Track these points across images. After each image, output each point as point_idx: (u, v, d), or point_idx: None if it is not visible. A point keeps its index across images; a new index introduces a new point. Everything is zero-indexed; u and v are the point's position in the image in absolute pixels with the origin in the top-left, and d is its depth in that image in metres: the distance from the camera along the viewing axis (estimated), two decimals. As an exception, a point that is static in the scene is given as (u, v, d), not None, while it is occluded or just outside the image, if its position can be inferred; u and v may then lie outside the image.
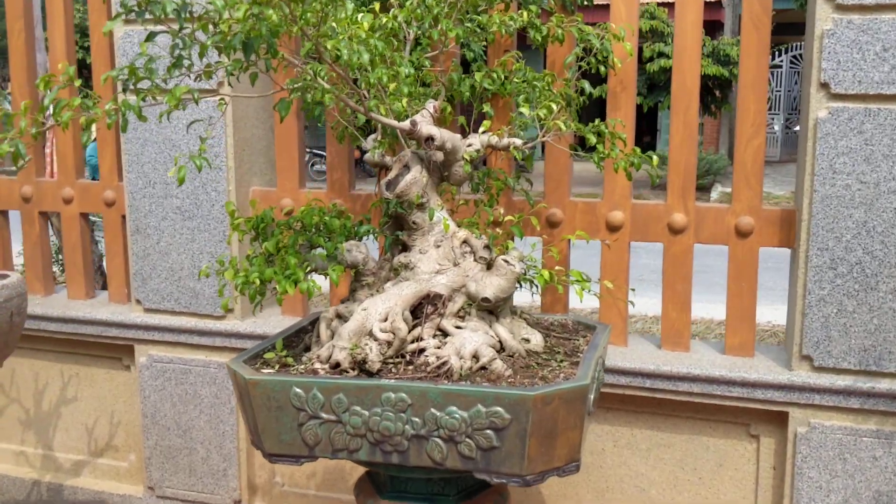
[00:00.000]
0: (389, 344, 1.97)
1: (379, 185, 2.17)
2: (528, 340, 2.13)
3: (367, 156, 2.27)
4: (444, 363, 1.93)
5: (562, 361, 2.05)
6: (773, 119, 21.63)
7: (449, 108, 2.39)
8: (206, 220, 3.12)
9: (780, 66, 21.21)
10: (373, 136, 2.34)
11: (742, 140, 2.69)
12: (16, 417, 3.70)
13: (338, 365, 1.98)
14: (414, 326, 2.07)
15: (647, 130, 21.48)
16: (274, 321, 3.19)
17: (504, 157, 2.71)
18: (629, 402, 2.83)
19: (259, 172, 3.25)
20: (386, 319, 2.00)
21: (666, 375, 2.71)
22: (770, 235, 2.70)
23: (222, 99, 1.74)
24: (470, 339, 1.99)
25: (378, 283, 2.19)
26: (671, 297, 2.80)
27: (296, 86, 1.81)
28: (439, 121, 2.43)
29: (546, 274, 2.07)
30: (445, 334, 2.06)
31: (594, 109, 2.64)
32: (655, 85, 16.52)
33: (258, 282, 1.95)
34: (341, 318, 2.12)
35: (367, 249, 2.16)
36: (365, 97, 1.88)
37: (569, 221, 2.85)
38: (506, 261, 2.04)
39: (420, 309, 2.09)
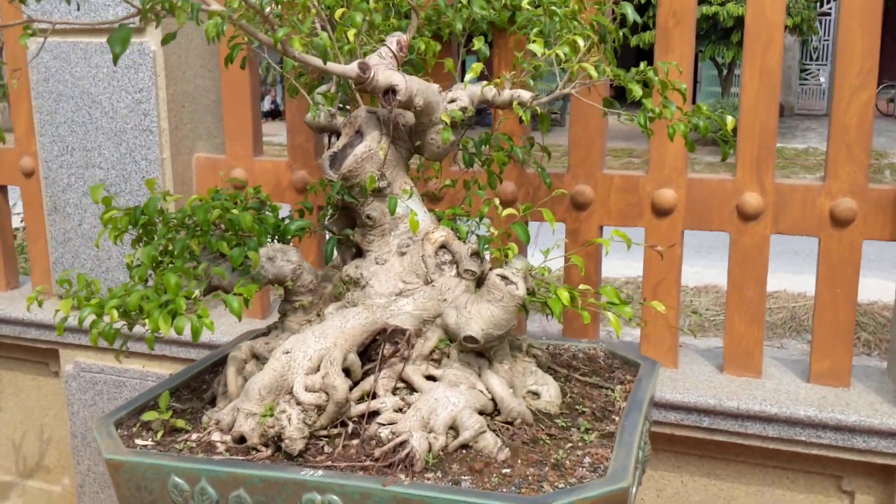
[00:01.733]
0: (320, 409, 1.29)
1: (322, 160, 1.47)
2: (537, 395, 1.43)
3: (308, 116, 1.56)
4: (402, 443, 1.24)
5: (587, 431, 1.35)
6: (819, 69, 20.54)
7: (431, 48, 1.66)
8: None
9: (829, 14, 19.96)
10: (323, 87, 1.63)
11: (843, 93, 1.93)
12: (-65, 427, 3.09)
13: (243, 439, 1.30)
14: (365, 374, 1.39)
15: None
16: (231, 322, 2.52)
17: (511, 116, 1.98)
18: (679, 442, 2.14)
19: (206, 135, 2.55)
20: (318, 370, 1.31)
21: (731, 413, 2.00)
22: (878, 224, 1.96)
23: (28, 29, 1.05)
24: (445, 401, 1.30)
25: (319, 305, 1.50)
26: (739, 305, 2.08)
27: (149, 3, 1.10)
28: (416, 66, 1.71)
29: (564, 295, 1.36)
30: (412, 388, 1.37)
31: (631, 60, 1.89)
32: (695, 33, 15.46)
33: (115, 314, 1.26)
34: (259, 359, 1.44)
35: (298, 257, 1.46)
36: (272, 23, 1.17)
37: (601, 202, 2.13)
38: (503, 277, 1.34)
39: (375, 347, 1.40)
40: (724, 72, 16.49)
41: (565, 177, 2.14)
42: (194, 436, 1.36)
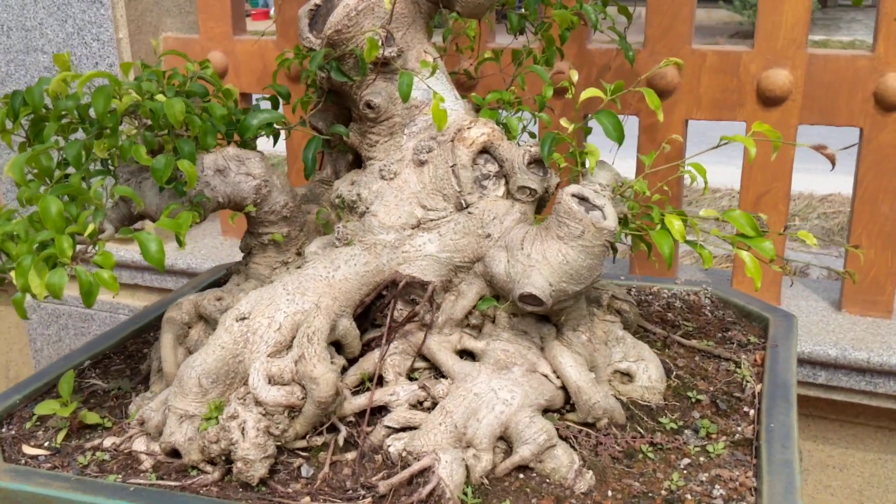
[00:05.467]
0: (293, 410, 0.81)
1: (299, 17, 0.96)
2: (629, 376, 0.94)
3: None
4: (423, 471, 0.77)
5: (711, 437, 0.87)
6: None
7: None
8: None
9: None
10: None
11: None
12: None
13: (177, 453, 0.84)
14: (367, 346, 0.91)
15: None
16: (213, 245, 2.06)
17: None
18: (780, 399, 1.66)
19: (176, 10, 2.03)
20: (291, 347, 0.83)
21: (857, 367, 1.52)
22: None
23: None
24: (491, 397, 0.82)
25: (299, 240, 1.01)
26: (869, 223, 1.57)
27: None
28: None
29: (677, 226, 0.86)
30: (438, 371, 0.89)
31: None
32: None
33: (-42, 265, 0.79)
34: (209, 322, 0.96)
35: (263, 167, 0.96)
36: None
37: (688, 88, 1.59)
38: (581, 199, 0.84)
39: (381, 307, 0.91)
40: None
41: (640, 52, 1.60)
42: (110, 440, 0.90)
